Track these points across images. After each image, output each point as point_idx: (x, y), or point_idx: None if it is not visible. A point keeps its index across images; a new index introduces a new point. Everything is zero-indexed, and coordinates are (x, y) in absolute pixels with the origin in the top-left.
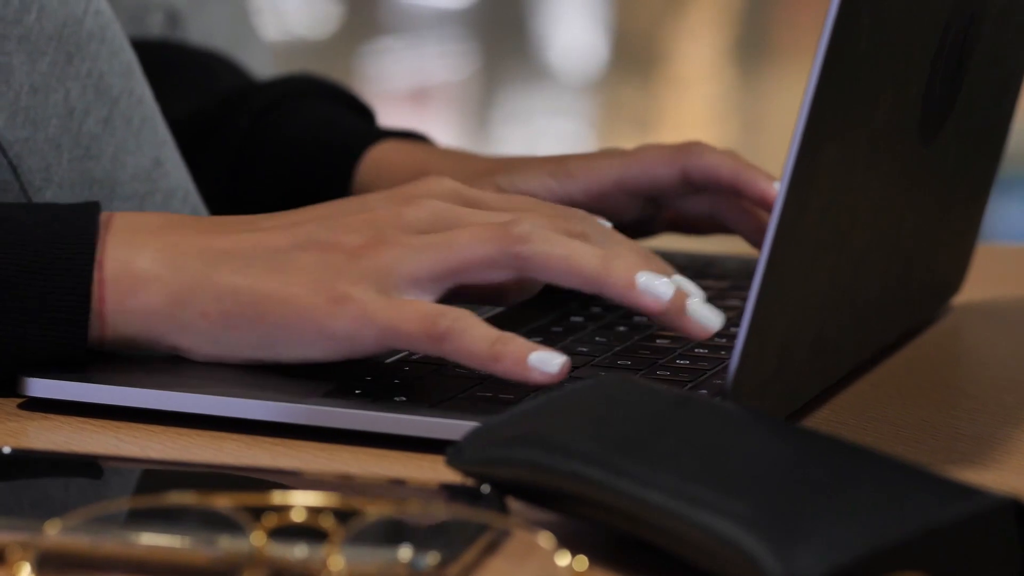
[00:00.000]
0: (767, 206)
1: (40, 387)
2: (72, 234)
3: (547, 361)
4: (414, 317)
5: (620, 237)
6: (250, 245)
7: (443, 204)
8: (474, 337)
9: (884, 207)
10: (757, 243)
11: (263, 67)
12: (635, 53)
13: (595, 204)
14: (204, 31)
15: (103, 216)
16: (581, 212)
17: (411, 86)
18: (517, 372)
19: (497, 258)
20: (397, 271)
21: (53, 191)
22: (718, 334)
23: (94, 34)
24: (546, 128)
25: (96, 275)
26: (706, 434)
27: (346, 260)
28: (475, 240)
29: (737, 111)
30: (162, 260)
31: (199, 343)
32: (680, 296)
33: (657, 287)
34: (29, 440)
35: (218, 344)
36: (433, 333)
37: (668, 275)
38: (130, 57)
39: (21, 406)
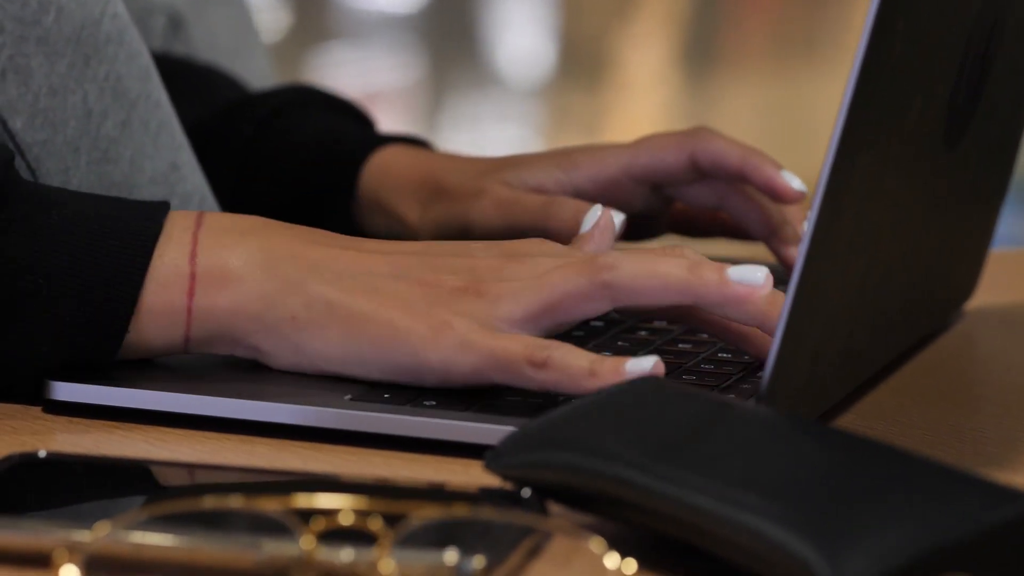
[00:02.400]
0: (773, 192)
1: (66, 391)
2: (132, 234)
3: (641, 365)
4: (516, 346)
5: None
6: (346, 262)
7: (546, 264)
8: (573, 361)
9: (911, 213)
10: (762, 235)
11: (264, 71)
12: (583, 59)
13: (603, 193)
14: (206, 35)
15: (193, 213)
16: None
17: (359, 91)
18: (615, 381)
19: (588, 290)
20: (495, 312)
21: None
22: None
23: (112, 37)
24: (494, 133)
25: (188, 268)
26: (747, 438)
27: (444, 296)
28: (565, 276)
29: (684, 116)
30: (255, 260)
31: (281, 349)
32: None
33: (749, 275)
34: (57, 444)
35: (299, 352)
36: (535, 361)
37: None
38: (147, 61)
39: (46, 410)
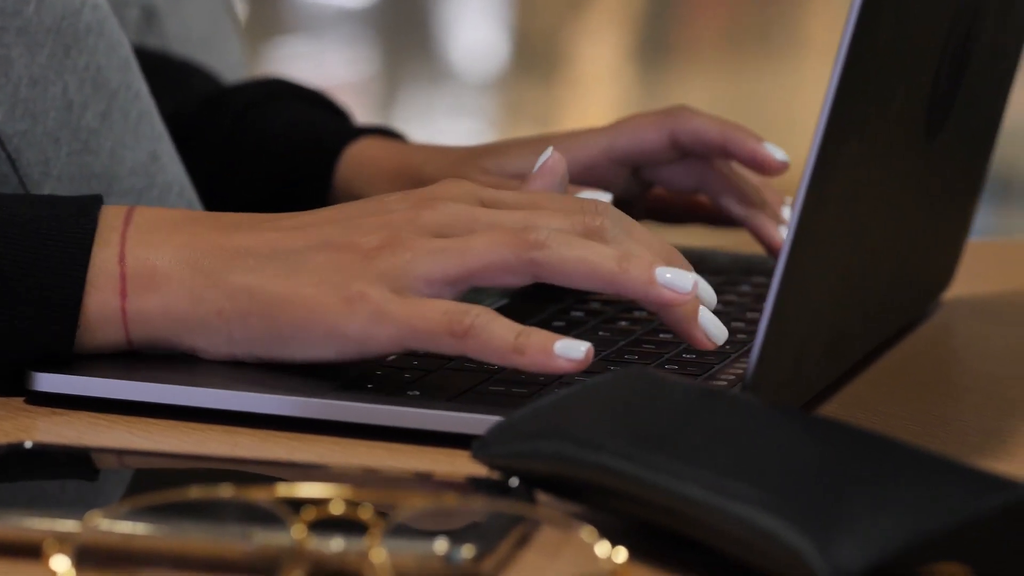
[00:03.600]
0: (756, 164)
1: (49, 382)
2: (68, 232)
3: (572, 348)
4: (434, 315)
5: (639, 229)
6: (266, 245)
7: (460, 206)
8: (497, 332)
9: (893, 203)
10: (741, 215)
11: (238, 63)
12: (536, 53)
13: (583, 177)
14: (180, 27)
15: (123, 209)
16: (601, 204)
17: (313, 86)
18: (542, 362)
19: (512, 264)
20: (411, 272)
21: (52, 185)
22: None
23: (92, 27)
24: (448, 127)
25: (118, 270)
26: (735, 427)
27: (360, 261)
28: (490, 245)
29: (638, 110)
30: (180, 257)
31: (215, 342)
32: (701, 292)
33: (676, 280)
34: (40, 436)
35: (232, 343)
36: (456, 330)
37: (688, 270)
38: (127, 51)
39: (28, 401)
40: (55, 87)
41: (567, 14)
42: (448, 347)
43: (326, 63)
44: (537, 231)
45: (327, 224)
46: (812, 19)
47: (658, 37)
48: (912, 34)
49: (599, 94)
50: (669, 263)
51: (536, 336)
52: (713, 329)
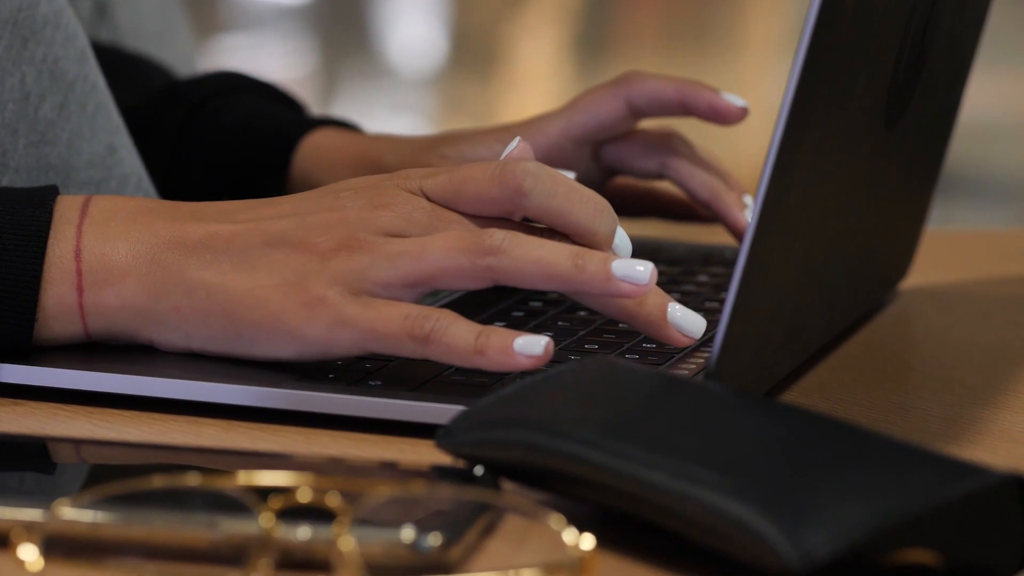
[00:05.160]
0: (717, 114)
1: (10, 372)
2: (24, 225)
3: (532, 344)
4: (395, 320)
5: (567, 182)
6: (223, 239)
7: (415, 208)
8: (457, 335)
9: (853, 191)
10: (705, 197)
11: (188, 57)
12: (475, 49)
13: (545, 161)
14: (132, 21)
15: (79, 200)
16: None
17: (267, 79)
18: (503, 361)
19: (468, 270)
20: (368, 276)
21: (10, 177)
22: None
23: (49, 19)
24: (387, 123)
25: (74, 265)
26: (701, 415)
27: (316, 261)
28: (447, 251)
29: None
30: (137, 252)
31: (172, 337)
32: (659, 295)
33: (634, 271)
34: (2, 426)
35: (190, 338)
36: (416, 335)
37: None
38: (84, 43)
39: None
40: (12, 78)
41: (504, 10)
42: (409, 351)
43: (264, 59)
44: (492, 235)
45: (281, 219)
46: (750, 14)
47: (595, 33)
48: (873, 23)
49: (537, 90)
50: (597, 211)
51: (496, 336)
52: (686, 324)
